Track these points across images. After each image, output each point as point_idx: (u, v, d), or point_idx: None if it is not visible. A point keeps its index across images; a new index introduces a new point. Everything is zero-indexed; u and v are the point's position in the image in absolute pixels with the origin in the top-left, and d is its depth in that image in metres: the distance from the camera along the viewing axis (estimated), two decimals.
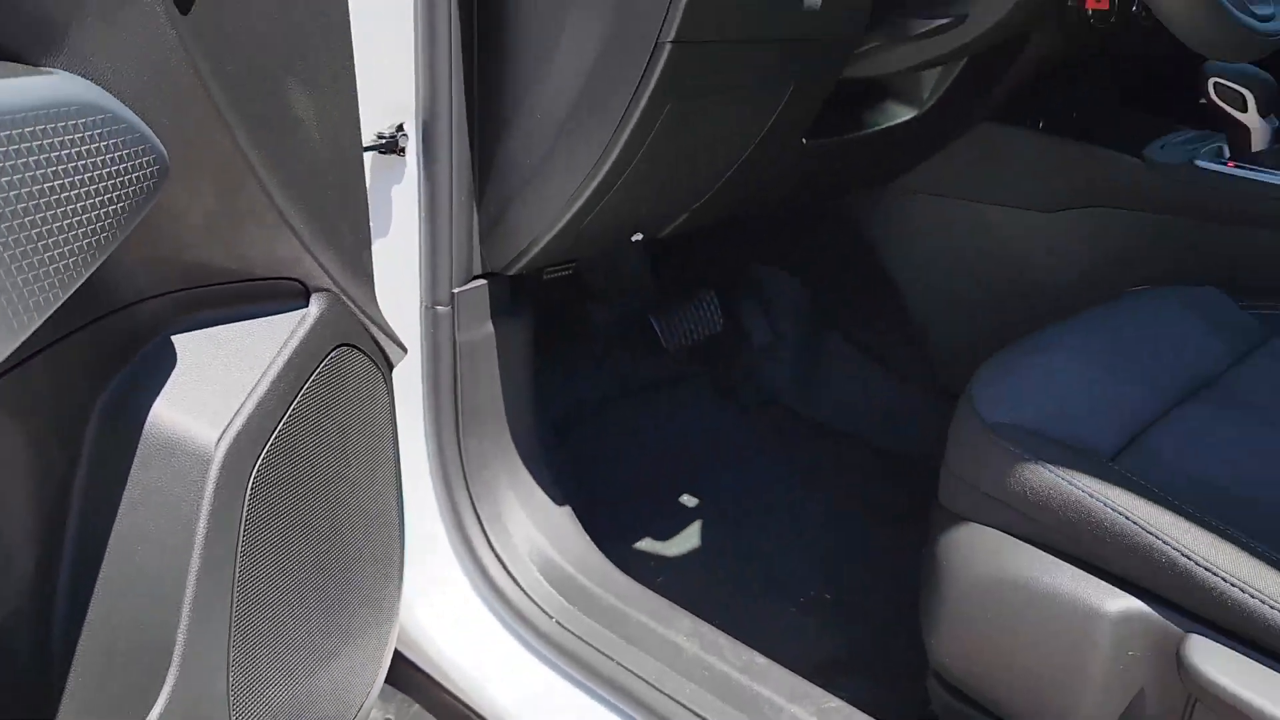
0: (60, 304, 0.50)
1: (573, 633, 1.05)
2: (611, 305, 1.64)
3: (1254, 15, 0.91)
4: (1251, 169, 1.24)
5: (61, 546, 0.62)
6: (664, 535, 1.39)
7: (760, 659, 1.01)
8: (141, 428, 0.64)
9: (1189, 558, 0.79)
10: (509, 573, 1.09)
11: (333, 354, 0.73)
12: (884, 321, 1.65)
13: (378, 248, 0.88)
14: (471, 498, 1.10)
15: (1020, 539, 0.88)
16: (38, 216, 0.48)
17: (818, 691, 0.97)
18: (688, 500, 1.48)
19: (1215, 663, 0.77)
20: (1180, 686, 0.79)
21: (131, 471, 0.63)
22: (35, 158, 0.47)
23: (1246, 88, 1.21)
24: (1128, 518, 0.82)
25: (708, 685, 0.97)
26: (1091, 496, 0.83)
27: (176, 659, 0.63)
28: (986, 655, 0.90)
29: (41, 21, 0.53)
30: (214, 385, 0.66)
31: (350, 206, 0.77)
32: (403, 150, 0.96)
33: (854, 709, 0.95)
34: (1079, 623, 0.83)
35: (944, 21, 1.03)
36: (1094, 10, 1.14)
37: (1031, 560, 0.87)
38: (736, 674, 0.98)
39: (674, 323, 1.58)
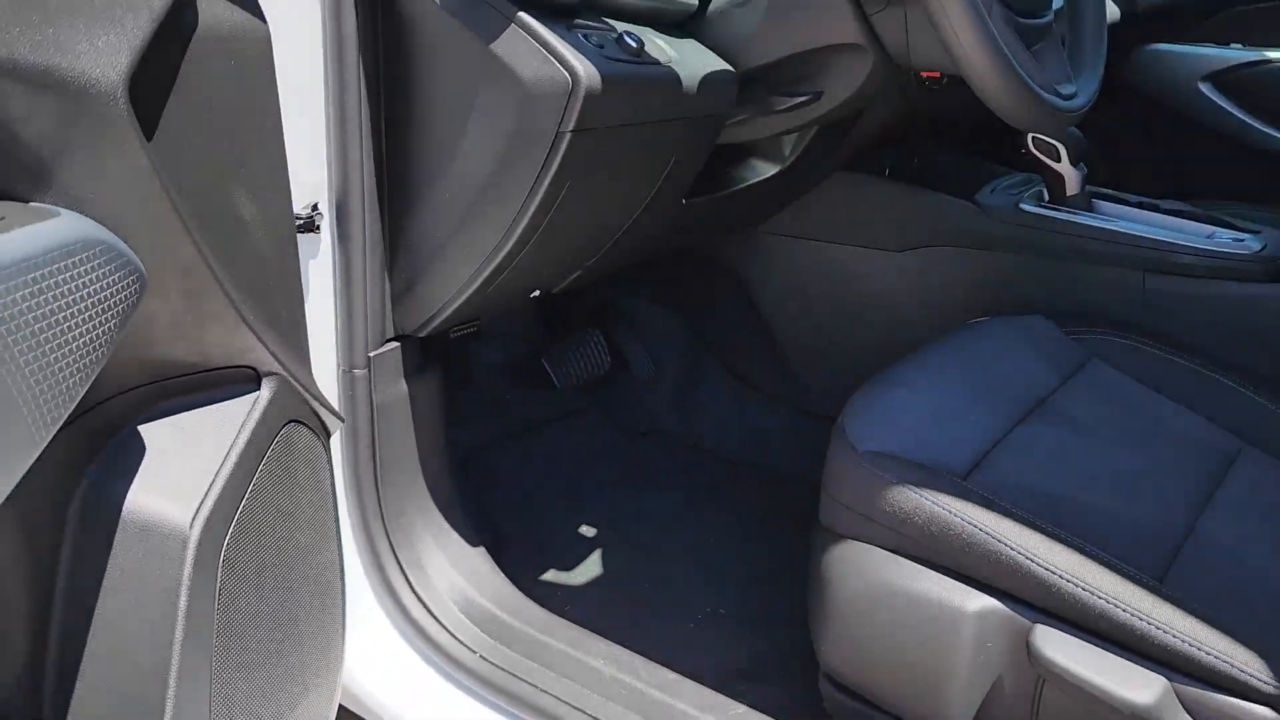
0: (68, 414, 0.57)
1: (495, 665, 1.13)
2: (501, 350, 1.73)
3: (1059, 95, 1.07)
4: (1067, 211, 1.43)
5: (49, 626, 0.67)
6: (569, 565, 1.48)
7: (671, 674, 1.11)
8: (119, 513, 0.69)
9: (1032, 560, 0.93)
10: (430, 613, 1.17)
11: (283, 431, 0.80)
12: (756, 351, 1.78)
13: None
14: (391, 545, 1.17)
15: (892, 552, 1.01)
16: (55, 342, 0.54)
17: (724, 700, 1.08)
18: (586, 530, 1.58)
19: (1058, 648, 0.91)
20: (1031, 670, 0.93)
21: (112, 554, 0.69)
22: (54, 293, 0.54)
23: (1060, 142, 1.39)
24: (979, 528, 0.96)
25: (626, 703, 1.07)
26: (949, 512, 0.97)
27: None
28: (870, 656, 1.02)
29: (35, 163, 0.59)
30: (182, 469, 0.72)
31: (288, 292, 0.84)
32: (317, 228, 1.03)
33: (758, 713, 1.07)
34: (945, 622, 0.96)
35: (802, 100, 1.17)
36: (928, 78, 1.29)
37: (902, 571, 1.00)
38: (651, 690, 1.09)
39: (564, 363, 1.68)
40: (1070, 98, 1.09)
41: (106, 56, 0.60)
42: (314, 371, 0.96)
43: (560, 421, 1.76)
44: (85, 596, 0.68)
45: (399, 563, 1.17)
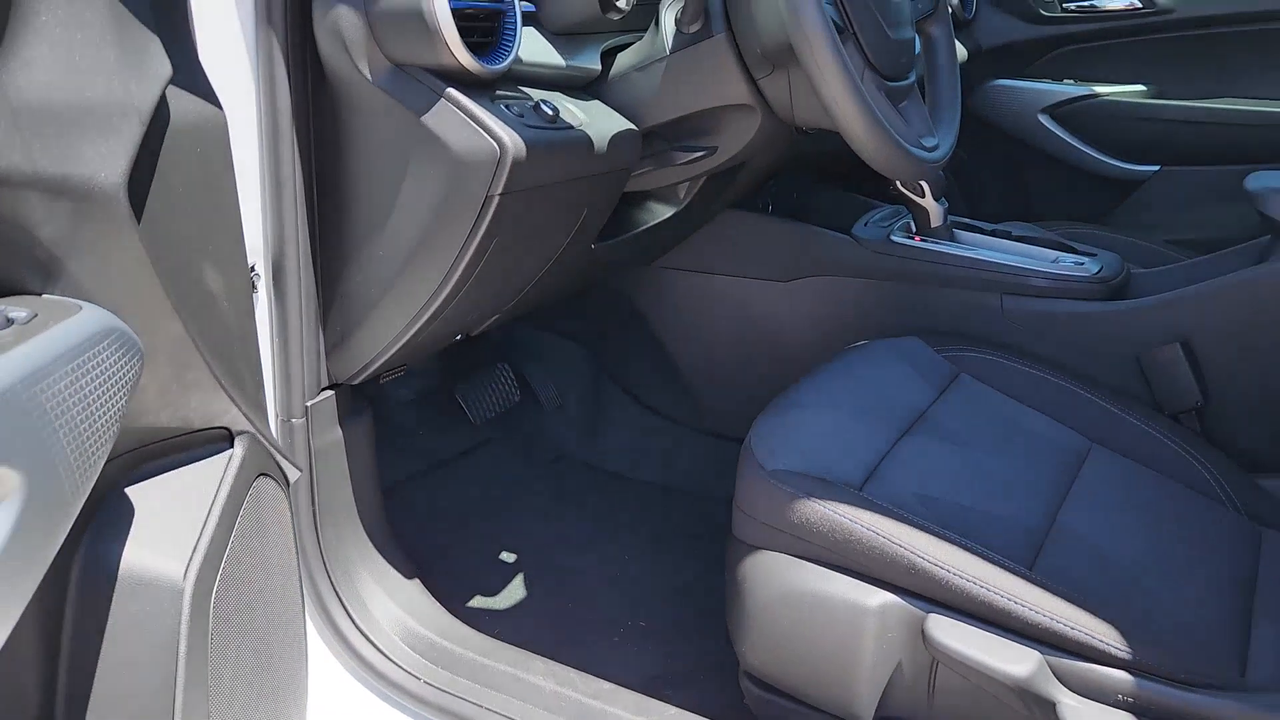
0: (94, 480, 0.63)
1: (441, 689, 1.20)
2: (410, 387, 1.80)
3: (923, 147, 1.22)
4: (933, 241, 1.59)
5: (57, 677, 0.73)
6: (493, 591, 1.56)
7: (606, 685, 1.21)
8: (117, 570, 0.75)
9: (922, 558, 1.06)
10: (374, 645, 1.23)
11: (254, 484, 0.87)
12: (655, 377, 1.90)
13: None
14: (333, 583, 1.24)
15: (800, 559, 1.13)
16: (87, 420, 0.61)
17: (658, 704, 1.18)
18: (506, 557, 1.66)
19: (948, 633, 1.05)
20: (926, 654, 1.06)
21: (112, 608, 0.75)
22: (86, 378, 0.61)
23: (924, 180, 1.55)
24: (876, 533, 1.08)
25: (568, 715, 1.16)
26: (849, 520, 1.10)
27: None
28: (785, 653, 1.14)
29: (49, 259, 0.66)
30: (170, 526, 0.79)
31: (249, 354, 0.91)
32: (255, 287, 1.10)
33: (690, 713, 1.17)
34: (850, 618, 1.09)
35: (699, 155, 1.29)
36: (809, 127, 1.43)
37: (810, 575, 1.12)
38: (590, 700, 1.18)
39: (477, 398, 1.76)
40: (933, 149, 1.24)
41: (110, 161, 0.67)
42: None
43: (472, 453, 1.84)
44: (90, 648, 0.74)
45: (340, 600, 1.23)
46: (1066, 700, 1.00)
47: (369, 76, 1.03)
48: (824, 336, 1.66)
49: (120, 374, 0.65)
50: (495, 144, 1.02)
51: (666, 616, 1.53)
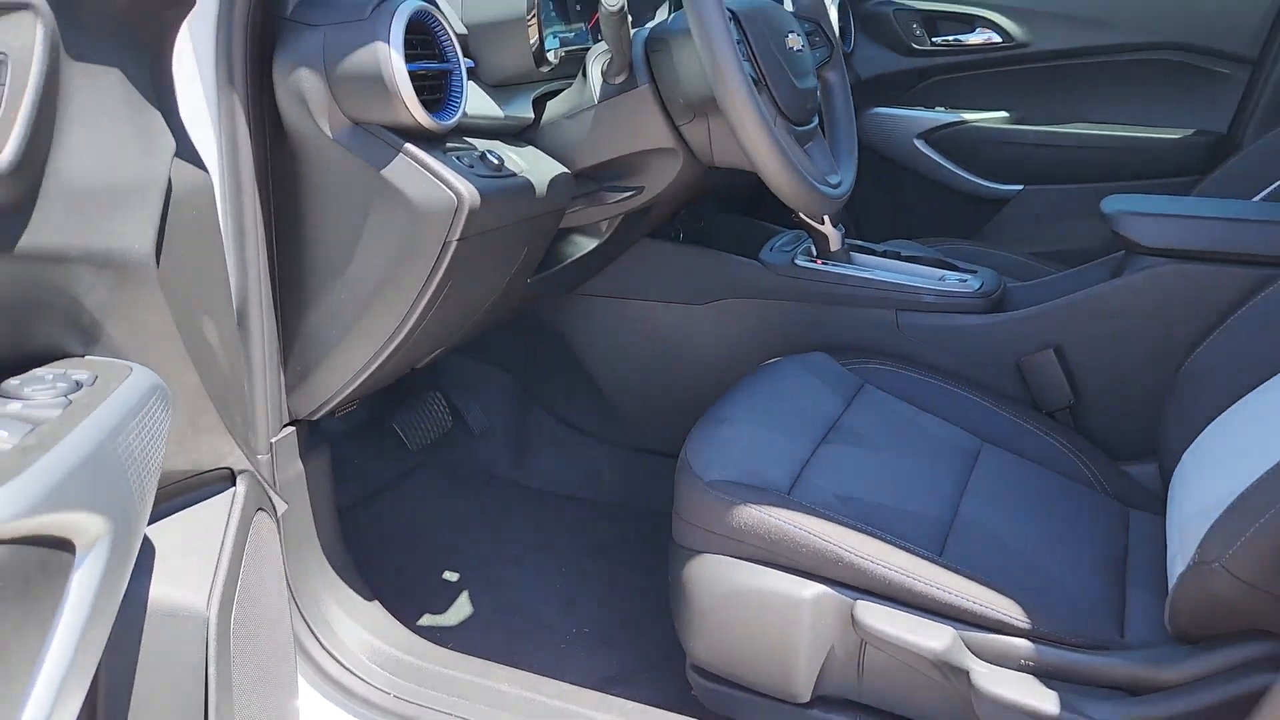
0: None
1: (410, 701, 1.28)
2: (342, 418, 1.85)
3: (829, 184, 1.37)
4: (833, 264, 1.74)
5: (95, 709, 0.79)
6: (440, 609, 1.64)
7: (567, 686, 1.30)
8: (145, 606, 0.82)
9: (848, 551, 1.20)
10: (343, 665, 1.30)
11: (255, 518, 0.94)
12: (579, 398, 2.00)
13: None
14: (300, 609, 1.30)
15: (739, 559, 1.25)
16: (144, 464, 0.69)
17: (617, 701, 1.28)
18: (449, 576, 1.74)
19: (874, 617, 1.18)
20: (855, 637, 1.20)
21: (144, 640, 0.81)
22: (145, 430, 0.68)
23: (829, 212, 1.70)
24: (806, 532, 1.21)
25: (534, 716, 1.25)
26: (781, 522, 1.22)
27: None
28: (730, 645, 1.25)
29: (91, 324, 0.72)
30: (190, 562, 0.86)
31: (242, 398, 0.98)
32: None
33: (646, 706, 1.27)
34: (787, 610, 1.21)
35: (627, 195, 1.41)
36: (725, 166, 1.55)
37: (749, 573, 1.24)
38: (554, 701, 1.27)
39: (412, 426, 1.83)
40: (837, 185, 1.39)
41: (141, 233, 0.74)
42: None
43: (408, 479, 1.91)
44: (126, 677, 0.80)
45: (308, 624, 1.30)
46: (978, 668, 1.14)
47: (329, 134, 1.11)
48: (737, 355, 1.79)
49: (162, 425, 0.73)
50: (453, 194, 1.11)
51: (607, 621, 1.63)
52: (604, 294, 1.84)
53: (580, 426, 2.02)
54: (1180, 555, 1.13)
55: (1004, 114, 2.60)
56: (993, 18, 2.58)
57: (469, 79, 1.28)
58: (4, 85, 0.58)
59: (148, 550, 0.84)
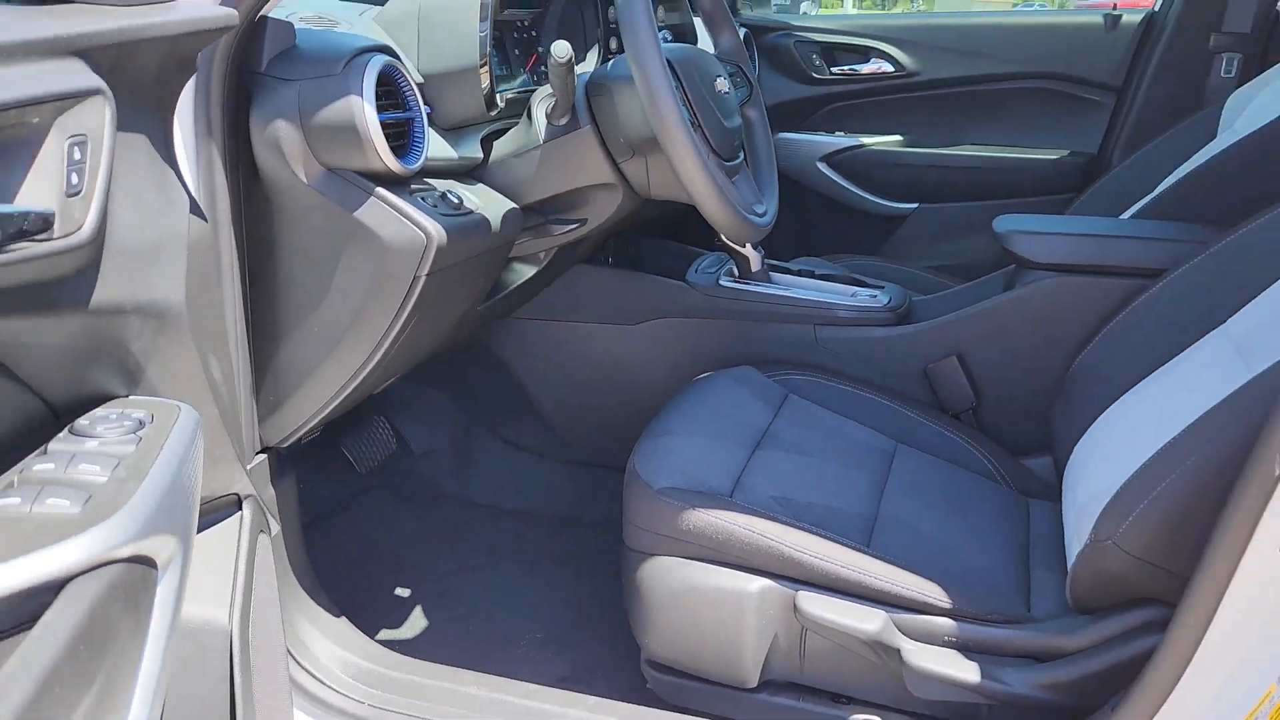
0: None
1: (385, 709, 1.35)
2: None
3: (755, 214, 1.50)
4: (755, 283, 1.87)
5: None
6: (398, 623, 1.71)
7: (532, 686, 1.39)
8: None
9: (788, 547, 1.32)
10: (318, 679, 1.36)
11: (258, 537, 1.02)
12: (517, 416, 2.09)
13: None
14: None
15: (688, 559, 1.36)
16: (194, 492, 0.77)
17: (580, 696, 1.38)
18: (402, 591, 1.81)
19: (813, 605, 1.30)
20: (797, 624, 1.32)
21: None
22: (195, 461, 0.76)
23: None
24: (749, 531, 1.33)
25: (504, 715, 1.34)
26: (726, 523, 1.34)
27: None
28: (682, 639, 1.36)
29: (135, 367, 0.80)
30: (208, 582, 0.93)
31: (238, 429, 1.06)
32: None
33: (611, 700, 1.37)
34: (735, 603, 1.33)
35: (572, 227, 1.52)
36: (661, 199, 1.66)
37: (699, 571, 1.35)
38: (521, 700, 1.36)
39: (360, 449, 1.90)
40: (762, 214, 1.52)
41: (175, 283, 0.82)
42: None
43: (355, 501, 1.97)
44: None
45: (283, 641, 1.36)
46: (908, 646, 1.28)
47: (304, 179, 1.18)
48: (668, 371, 1.91)
49: (201, 455, 0.81)
50: (422, 233, 1.20)
51: (560, 626, 1.73)
52: (541, 317, 1.94)
53: (519, 443, 2.11)
54: (1077, 536, 1.29)
55: (898, 138, 2.79)
56: (885, 49, 2.78)
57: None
58: (84, 163, 0.65)
59: None
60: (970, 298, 1.82)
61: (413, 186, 1.27)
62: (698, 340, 1.88)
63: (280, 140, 1.17)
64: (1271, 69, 2.04)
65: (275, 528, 1.11)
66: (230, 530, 0.97)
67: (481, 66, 1.34)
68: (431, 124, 1.39)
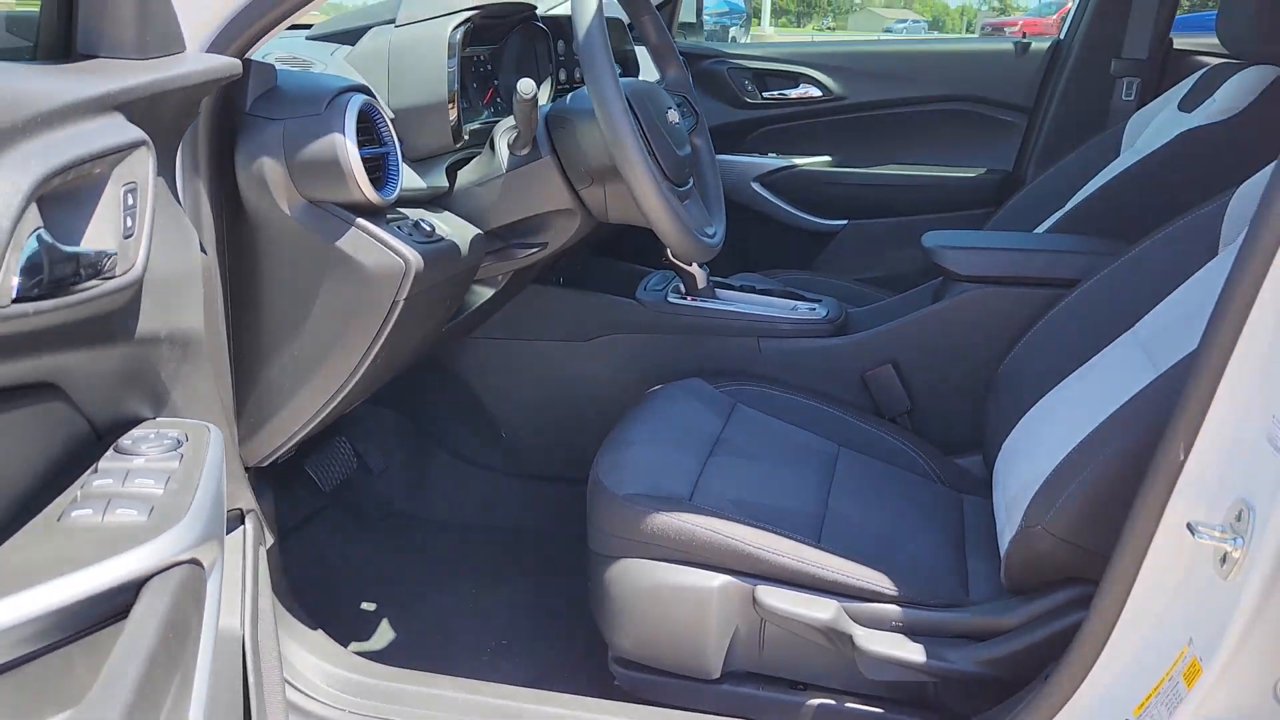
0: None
1: (367, 715, 1.42)
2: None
3: (707, 235, 1.60)
4: (701, 299, 1.98)
5: None
6: (364, 637, 1.77)
7: (506, 686, 1.47)
8: None
9: (746, 544, 1.41)
10: (300, 690, 1.42)
11: (260, 551, 1.08)
12: (471, 432, 2.16)
13: None
14: None
15: (653, 560, 1.45)
16: (225, 502, 0.84)
17: (551, 694, 1.46)
18: (367, 605, 1.86)
19: (772, 597, 1.40)
20: (756, 617, 1.42)
21: None
22: (222, 474, 0.83)
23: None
24: (710, 531, 1.42)
25: (482, 714, 1.41)
26: (687, 524, 1.43)
27: None
28: (649, 635, 1.45)
29: (164, 391, 0.87)
30: (225, 589, 0.99)
31: (235, 448, 1.12)
32: None
33: (582, 696, 1.45)
34: (698, 599, 1.42)
35: (534, 250, 1.60)
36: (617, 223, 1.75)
37: (663, 571, 1.44)
38: (495, 700, 1.43)
39: (323, 469, 1.95)
40: (713, 235, 1.63)
41: (194, 313, 0.89)
42: None
43: (314, 519, 2.02)
44: None
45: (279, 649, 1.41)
46: (859, 632, 1.38)
47: (287, 211, 1.25)
48: (619, 384, 1.99)
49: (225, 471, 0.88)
50: (401, 260, 1.28)
51: (520, 633, 1.80)
52: (498, 336, 2.02)
53: (474, 459, 2.18)
54: (1009, 524, 1.41)
55: (827, 158, 2.93)
56: (813, 74, 2.92)
57: None
58: (136, 207, 0.72)
59: None
60: (903, 309, 1.95)
61: (388, 216, 1.34)
62: (647, 354, 1.97)
63: (265, 175, 1.23)
64: (1167, 92, 2.22)
65: (270, 540, 1.18)
66: (236, 542, 1.03)
67: (450, 102, 1.42)
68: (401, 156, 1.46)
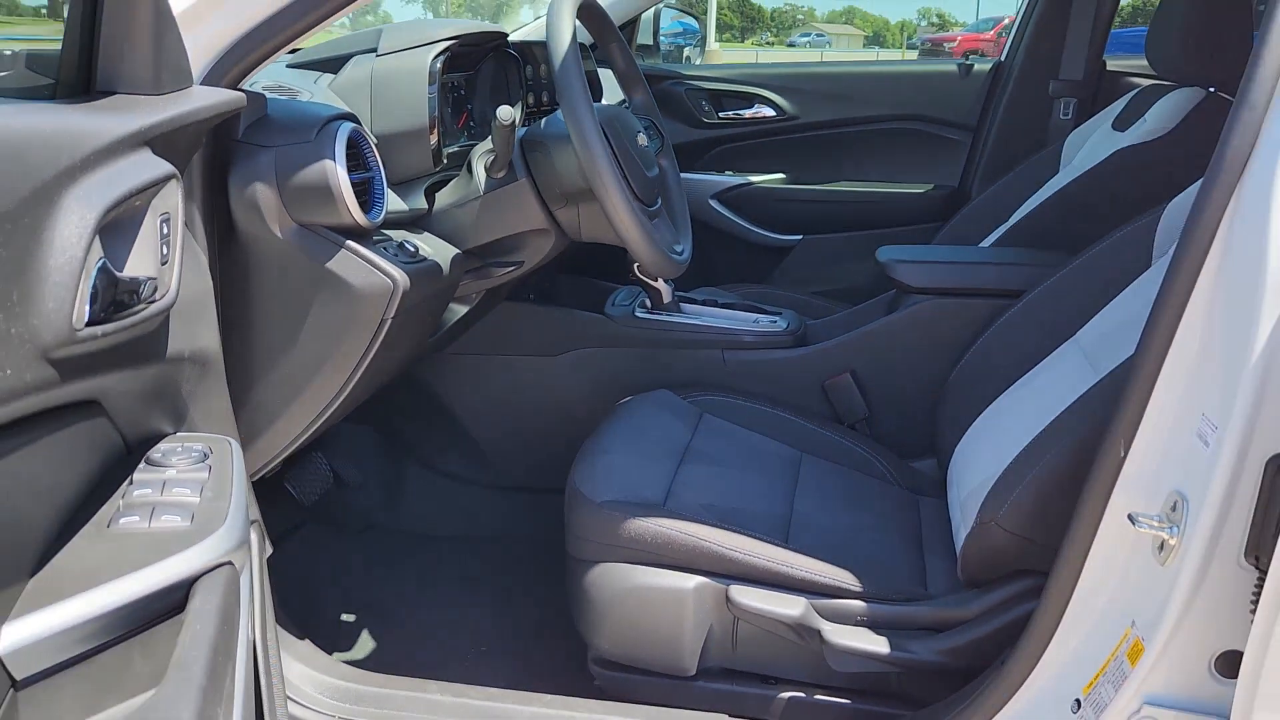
0: None
1: None
2: None
3: (675, 252, 1.68)
4: (667, 314, 2.05)
5: None
6: (346, 648, 1.81)
7: (492, 689, 1.52)
8: None
9: (719, 546, 1.49)
10: (293, 699, 1.47)
11: (264, 559, 1.13)
12: (446, 445, 2.21)
13: None
14: None
15: (630, 563, 1.52)
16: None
17: (536, 695, 1.51)
18: (347, 617, 1.91)
19: (744, 596, 1.47)
20: (730, 615, 1.49)
21: None
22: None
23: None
24: (684, 534, 1.50)
25: (470, 716, 1.47)
26: (663, 528, 1.50)
27: None
28: (627, 635, 1.51)
29: (184, 407, 0.92)
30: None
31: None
32: None
33: (564, 696, 1.51)
34: (674, 599, 1.49)
35: (510, 269, 1.67)
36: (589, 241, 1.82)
37: (641, 574, 1.50)
38: (482, 702, 1.49)
39: (302, 484, 1.99)
40: (681, 253, 1.71)
41: (211, 334, 0.94)
42: None
43: (292, 535, 2.06)
44: None
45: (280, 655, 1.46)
46: (827, 627, 1.46)
47: (279, 235, 1.30)
48: (590, 396, 2.06)
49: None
50: (389, 280, 1.34)
51: (499, 640, 1.86)
52: (472, 352, 2.08)
53: (448, 471, 2.23)
54: (964, 522, 1.50)
55: (782, 176, 3.03)
56: (768, 95, 3.03)
57: None
58: (169, 236, 0.78)
59: None
60: (859, 320, 2.04)
61: (374, 238, 1.40)
62: (616, 368, 2.05)
63: (258, 200, 1.28)
64: (1102, 112, 2.34)
65: (270, 549, 1.22)
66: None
67: (431, 127, 1.49)
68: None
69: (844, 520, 1.64)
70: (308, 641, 1.57)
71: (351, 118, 1.37)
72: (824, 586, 1.48)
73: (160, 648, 0.66)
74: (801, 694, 1.51)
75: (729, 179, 2.99)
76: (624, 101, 2.03)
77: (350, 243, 1.33)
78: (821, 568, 1.49)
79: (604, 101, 2.26)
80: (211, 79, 1.19)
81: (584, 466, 1.64)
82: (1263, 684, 0.97)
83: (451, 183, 1.66)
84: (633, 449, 1.70)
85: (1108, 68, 2.86)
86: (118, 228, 0.72)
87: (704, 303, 2.14)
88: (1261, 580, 0.99)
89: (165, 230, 0.77)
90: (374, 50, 1.59)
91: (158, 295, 0.75)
